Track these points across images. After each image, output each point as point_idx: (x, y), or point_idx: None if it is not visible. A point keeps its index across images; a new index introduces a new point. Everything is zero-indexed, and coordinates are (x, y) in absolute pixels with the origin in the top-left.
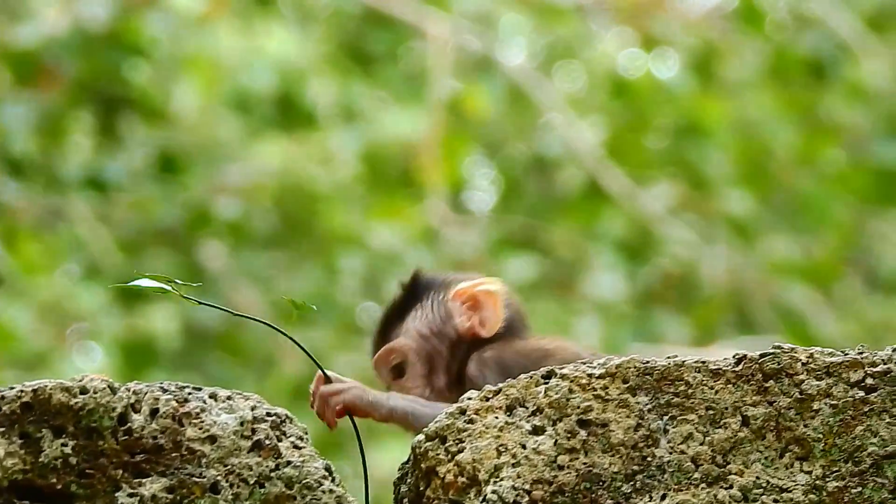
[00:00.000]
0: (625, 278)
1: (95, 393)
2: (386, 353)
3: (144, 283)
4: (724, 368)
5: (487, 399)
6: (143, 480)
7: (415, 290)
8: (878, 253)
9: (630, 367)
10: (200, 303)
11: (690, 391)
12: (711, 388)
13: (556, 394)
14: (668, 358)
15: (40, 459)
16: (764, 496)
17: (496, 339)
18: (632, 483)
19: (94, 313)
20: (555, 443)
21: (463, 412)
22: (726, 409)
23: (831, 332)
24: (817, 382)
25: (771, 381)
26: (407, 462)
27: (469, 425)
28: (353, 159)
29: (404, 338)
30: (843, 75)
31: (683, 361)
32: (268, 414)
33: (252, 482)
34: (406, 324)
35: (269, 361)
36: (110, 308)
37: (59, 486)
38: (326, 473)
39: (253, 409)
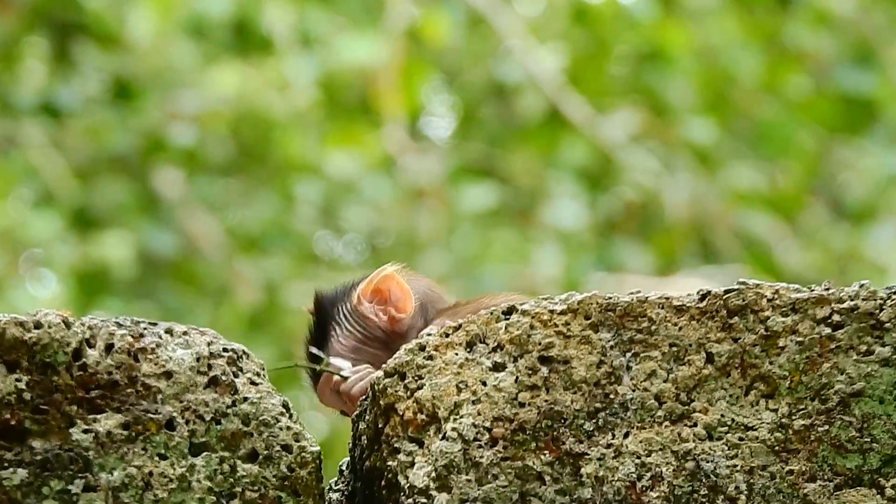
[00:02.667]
0: (585, 207)
1: (50, 328)
2: (329, 379)
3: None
4: (687, 304)
5: (447, 335)
6: (98, 416)
7: (323, 312)
8: (842, 181)
9: (592, 303)
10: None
11: (654, 328)
12: (675, 324)
13: (517, 330)
14: (631, 294)
15: None
16: (729, 434)
17: (422, 316)
18: (594, 420)
19: (47, 241)
20: (516, 380)
21: (422, 348)
22: (690, 345)
23: (795, 261)
24: (783, 319)
25: (736, 317)
26: (365, 399)
27: (428, 361)
28: (310, 86)
29: (338, 360)
30: (808, 1)
31: (647, 297)
32: (224, 349)
33: (208, 419)
34: (332, 347)
35: (224, 290)
36: (64, 235)
37: (12, 422)
38: (283, 410)
39: (209, 344)
